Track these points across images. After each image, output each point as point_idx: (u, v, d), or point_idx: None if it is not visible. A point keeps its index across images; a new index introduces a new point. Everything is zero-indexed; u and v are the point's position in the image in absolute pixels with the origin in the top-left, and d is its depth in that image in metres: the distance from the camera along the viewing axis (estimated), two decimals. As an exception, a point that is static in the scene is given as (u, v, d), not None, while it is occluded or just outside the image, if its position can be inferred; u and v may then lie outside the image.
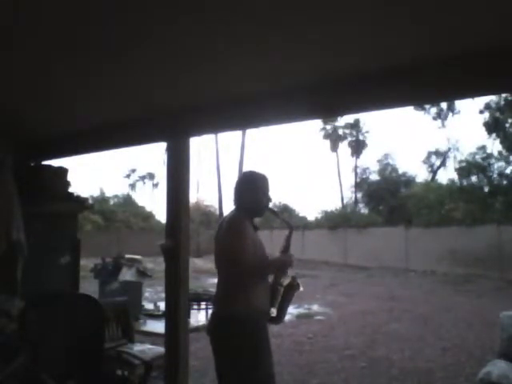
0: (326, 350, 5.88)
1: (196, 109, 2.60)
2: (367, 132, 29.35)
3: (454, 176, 21.30)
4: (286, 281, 2.60)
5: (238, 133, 28.20)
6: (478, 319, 7.73)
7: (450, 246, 15.13)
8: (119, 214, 25.82)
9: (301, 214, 28.11)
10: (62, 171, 3.89)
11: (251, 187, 2.57)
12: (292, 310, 8.45)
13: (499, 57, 1.76)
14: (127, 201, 31.55)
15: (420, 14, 1.59)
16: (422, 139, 48.51)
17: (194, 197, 28.15)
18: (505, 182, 17.76)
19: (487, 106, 18.03)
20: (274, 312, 2.56)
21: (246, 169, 26.63)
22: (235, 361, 2.39)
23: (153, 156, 61.52)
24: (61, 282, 3.69)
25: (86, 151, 3.47)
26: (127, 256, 8.13)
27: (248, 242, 2.38)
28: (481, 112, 18.45)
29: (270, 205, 2.71)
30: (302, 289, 2.61)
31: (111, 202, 30.28)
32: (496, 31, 1.68)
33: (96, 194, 29.00)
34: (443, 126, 25.03)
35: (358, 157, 29.33)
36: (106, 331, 3.22)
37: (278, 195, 28.29)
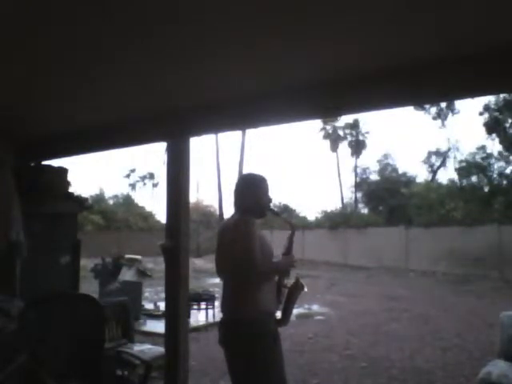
0: (326, 350, 5.88)
1: (196, 109, 2.60)
2: (367, 132, 29.35)
3: (454, 176, 21.33)
4: (289, 282, 2.57)
5: (238, 133, 28.21)
6: (477, 319, 7.73)
7: (449, 246, 15.13)
8: (119, 214, 25.81)
9: (301, 214, 28.13)
10: (62, 171, 3.89)
11: (252, 189, 2.53)
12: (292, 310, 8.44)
13: (499, 57, 1.76)
14: (127, 201, 31.54)
15: (420, 15, 1.59)
16: (422, 139, 48.44)
17: (193, 197, 28.17)
18: (505, 182, 17.77)
19: (486, 108, 18.04)
20: (279, 314, 2.54)
21: (246, 169, 26.66)
22: (248, 364, 2.34)
23: (153, 156, 61.60)
24: (61, 282, 3.69)
25: (86, 151, 3.47)
26: (127, 256, 8.17)
27: (257, 244, 2.33)
28: (480, 114, 18.47)
29: (271, 205, 2.68)
30: (306, 289, 2.58)
31: (111, 202, 30.27)
32: (496, 31, 1.68)
33: (96, 194, 29.02)
34: (443, 125, 25.02)
35: (357, 157, 29.33)
36: (105, 331, 3.21)
37: (278, 195, 28.30)
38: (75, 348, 2.64)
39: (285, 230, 2.77)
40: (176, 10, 1.58)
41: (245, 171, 24.78)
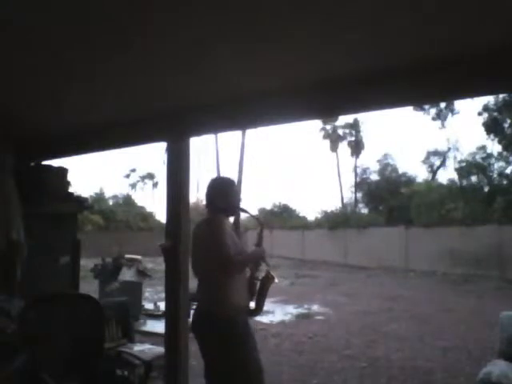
0: (326, 350, 5.87)
1: (196, 109, 2.60)
2: (367, 132, 29.37)
3: (454, 176, 21.33)
4: (261, 274, 2.75)
5: (238, 133, 28.19)
6: (478, 319, 7.72)
7: (449, 246, 15.11)
8: (119, 214, 25.80)
9: (301, 214, 28.12)
10: (62, 171, 3.89)
11: (222, 190, 2.73)
12: (292, 310, 8.45)
13: (499, 57, 1.76)
14: (127, 201, 31.53)
15: (420, 14, 1.59)
16: (422, 139, 48.48)
17: (193, 197, 28.14)
18: (505, 182, 17.76)
19: (485, 108, 18.04)
20: (252, 305, 2.72)
21: (245, 169, 26.65)
22: (225, 358, 2.50)
23: (153, 156, 61.60)
24: (61, 282, 3.69)
25: (86, 151, 3.48)
26: (127, 256, 8.14)
27: (228, 238, 2.51)
28: (479, 114, 18.47)
29: (241, 204, 2.89)
30: (277, 281, 2.76)
31: (111, 202, 30.26)
32: (496, 31, 1.68)
33: (96, 193, 29.00)
34: (443, 126, 25.01)
35: (357, 157, 29.32)
36: (105, 331, 3.21)
37: (278, 195, 28.25)
38: (75, 348, 2.64)
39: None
40: (176, 10, 1.58)
41: (245, 171, 24.81)
